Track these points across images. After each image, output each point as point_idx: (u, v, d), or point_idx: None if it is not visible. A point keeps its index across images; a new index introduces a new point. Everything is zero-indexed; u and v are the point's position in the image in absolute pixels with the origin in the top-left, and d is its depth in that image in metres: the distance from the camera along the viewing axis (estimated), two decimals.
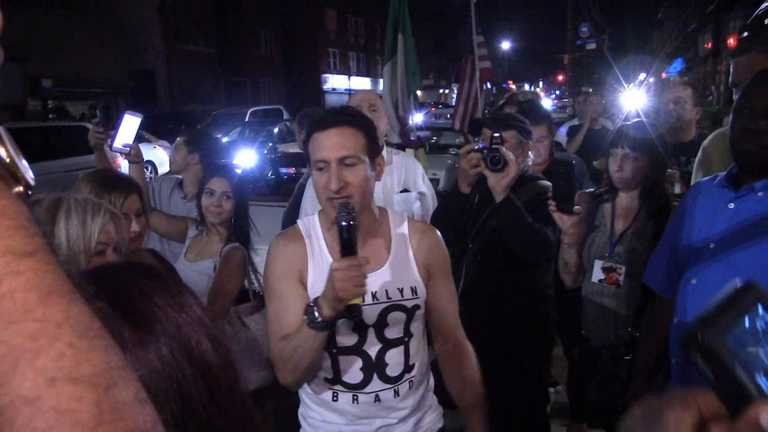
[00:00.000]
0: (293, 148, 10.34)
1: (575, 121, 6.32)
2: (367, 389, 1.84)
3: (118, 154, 3.13)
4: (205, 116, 22.81)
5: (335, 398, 1.86)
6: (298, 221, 1.97)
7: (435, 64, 52.25)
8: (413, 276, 1.88)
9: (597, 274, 2.66)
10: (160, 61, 30.56)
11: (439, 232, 2.00)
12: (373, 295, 1.79)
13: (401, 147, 5.38)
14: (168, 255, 2.91)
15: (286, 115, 22.65)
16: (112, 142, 3.02)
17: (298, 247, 1.87)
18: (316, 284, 1.77)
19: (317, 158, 1.76)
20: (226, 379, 0.48)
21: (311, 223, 1.92)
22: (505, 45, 57.77)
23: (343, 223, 1.60)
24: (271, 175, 7.33)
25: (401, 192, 2.99)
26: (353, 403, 1.85)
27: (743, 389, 0.48)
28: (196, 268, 2.80)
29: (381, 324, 1.82)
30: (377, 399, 1.84)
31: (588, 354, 2.77)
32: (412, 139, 5.92)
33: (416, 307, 1.87)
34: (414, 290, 1.86)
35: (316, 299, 1.65)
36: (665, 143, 2.64)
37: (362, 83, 46.13)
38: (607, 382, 2.68)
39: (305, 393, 1.95)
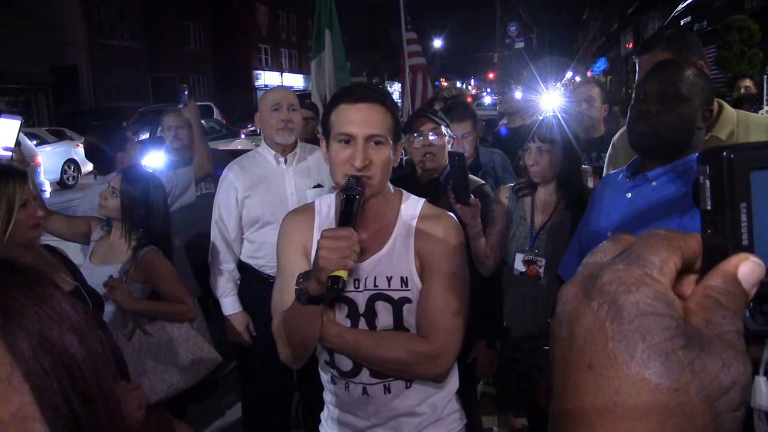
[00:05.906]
0: (223, 146, 10.18)
1: (504, 120, 6.45)
2: (356, 379, 1.76)
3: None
4: (131, 113, 22.17)
5: (333, 381, 1.83)
6: (317, 199, 1.89)
7: (367, 61, 52.35)
8: (407, 266, 1.73)
9: (518, 267, 2.73)
10: (83, 56, 29.52)
11: (457, 222, 1.83)
12: (360, 282, 1.72)
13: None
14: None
15: (216, 113, 22.25)
16: None
17: (305, 221, 1.82)
18: None
19: (343, 131, 1.68)
20: (93, 373, 0.47)
21: (327, 200, 1.85)
22: (437, 43, 58.42)
23: (349, 195, 1.59)
24: None
25: (314, 187, 3.01)
26: (346, 390, 1.79)
27: (736, 234, 0.42)
28: (103, 272, 2.70)
29: (370, 313, 1.73)
30: (365, 392, 1.76)
31: (510, 345, 2.84)
32: None
33: (405, 300, 1.72)
34: (404, 281, 1.72)
35: (306, 272, 1.60)
36: (577, 137, 2.75)
37: (295, 80, 45.84)
38: (527, 372, 2.76)
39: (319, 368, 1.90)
